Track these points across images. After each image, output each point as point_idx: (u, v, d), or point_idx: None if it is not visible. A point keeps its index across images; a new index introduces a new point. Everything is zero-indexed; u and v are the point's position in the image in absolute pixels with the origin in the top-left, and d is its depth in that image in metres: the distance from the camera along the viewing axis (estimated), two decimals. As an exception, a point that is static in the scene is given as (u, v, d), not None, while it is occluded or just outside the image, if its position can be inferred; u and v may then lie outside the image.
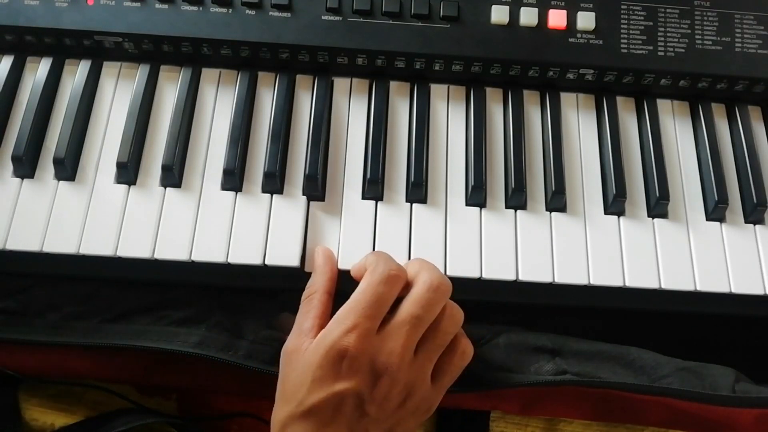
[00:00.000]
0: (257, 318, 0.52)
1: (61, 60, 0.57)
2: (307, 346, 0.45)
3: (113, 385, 0.55)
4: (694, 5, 0.57)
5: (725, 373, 0.51)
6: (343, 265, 0.51)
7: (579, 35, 0.56)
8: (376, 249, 0.52)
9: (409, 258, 0.51)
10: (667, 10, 0.56)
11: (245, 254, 0.51)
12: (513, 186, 0.54)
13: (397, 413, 0.45)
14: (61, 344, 0.49)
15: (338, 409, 0.43)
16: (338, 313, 0.45)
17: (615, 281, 0.52)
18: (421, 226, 0.53)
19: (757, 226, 0.55)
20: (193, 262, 0.51)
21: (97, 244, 0.51)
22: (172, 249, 0.51)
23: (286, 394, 0.45)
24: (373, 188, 0.53)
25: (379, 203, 0.54)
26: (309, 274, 0.51)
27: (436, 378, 0.46)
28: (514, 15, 0.56)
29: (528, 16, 0.55)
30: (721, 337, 0.57)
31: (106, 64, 0.57)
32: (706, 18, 0.57)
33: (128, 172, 0.53)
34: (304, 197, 0.53)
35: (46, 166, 0.53)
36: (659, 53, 0.56)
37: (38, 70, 0.56)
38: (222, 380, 0.52)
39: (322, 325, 0.46)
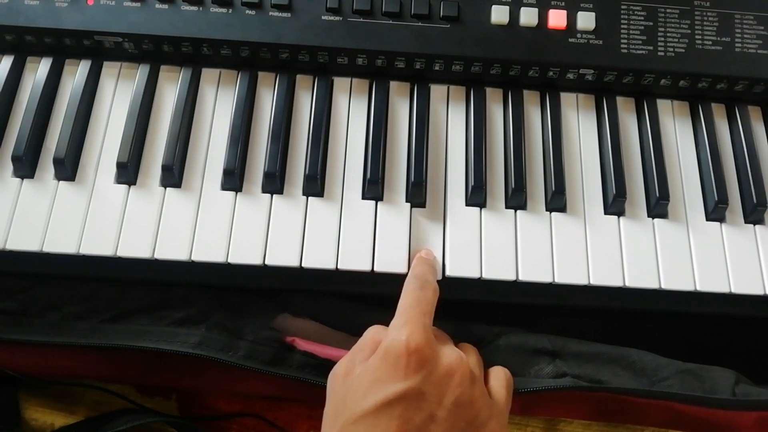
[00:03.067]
0: (257, 318, 0.52)
1: (61, 60, 0.57)
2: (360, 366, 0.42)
3: (113, 385, 0.55)
4: (694, 5, 0.57)
5: (725, 376, 0.51)
6: (342, 266, 0.51)
7: (579, 35, 0.56)
8: (376, 250, 0.52)
9: (410, 258, 0.51)
10: (667, 10, 0.56)
11: (245, 254, 0.51)
12: (513, 186, 0.54)
13: (468, 430, 0.41)
14: (61, 344, 0.49)
15: (401, 413, 0.39)
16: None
17: (615, 281, 0.52)
18: (421, 226, 0.53)
19: (757, 226, 0.55)
20: (193, 262, 0.51)
21: (97, 244, 0.51)
22: (172, 249, 0.51)
23: (337, 410, 0.41)
24: (373, 188, 0.53)
25: (379, 203, 0.54)
26: (309, 274, 0.51)
27: (495, 403, 0.44)
28: (514, 15, 0.56)
29: (528, 16, 0.55)
30: (721, 338, 0.57)
31: (106, 64, 0.57)
32: (706, 18, 0.56)
33: (128, 172, 0.53)
34: (305, 197, 0.53)
35: (46, 166, 0.53)
36: (659, 53, 0.56)
37: (38, 70, 0.56)
38: (222, 380, 0.52)
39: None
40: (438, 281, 0.51)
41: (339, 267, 0.51)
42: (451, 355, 0.42)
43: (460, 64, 0.56)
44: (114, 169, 0.53)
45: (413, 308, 0.44)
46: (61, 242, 0.51)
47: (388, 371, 0.40)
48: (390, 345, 0.41)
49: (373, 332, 0.45)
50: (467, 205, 0.54)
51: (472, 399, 0.42)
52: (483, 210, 0.54)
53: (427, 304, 0.45)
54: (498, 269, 0.51)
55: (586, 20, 0.56)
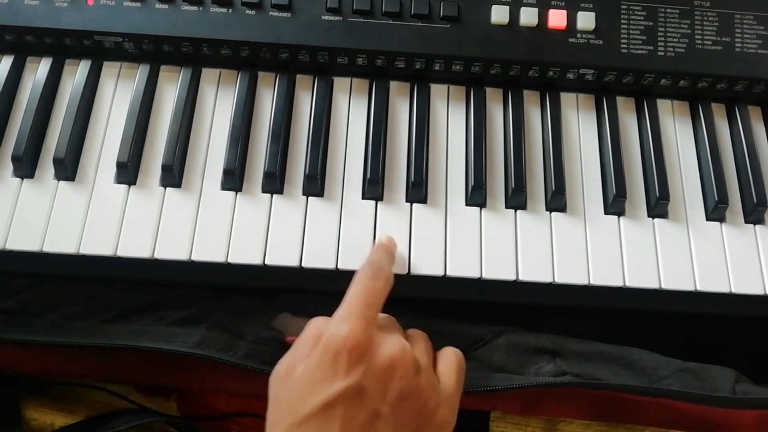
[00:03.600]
0: (257, 318, 0.52)
1: (61, 60, 0.57)
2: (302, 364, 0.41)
3: (113, 385, 0.55)
4: (694, 5, 0.57)
5: (725, 374, 0.51)
6: (342, 266, 0.51)
7: (579, 35, 0.56)
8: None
9: (410, 257, 0.51)
10: (667, 10, 0.56)
11: (245, 254, 0.51)
12: (513, 186, 0.54)
13: (415, 422, 0.40)
14: (61, 344, 0.49)
15: (342, 413, 0.38)
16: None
17: (615, 281, 0.52)
18: (421, 226, 0.53)
19: (757, 226, 0.55)
20: (193, 262, 0.51)
21: (97, 244, 0.51)
22: (172, 249, 0.51)
23: (280, 414, 0.40)
24: (373, 188, 0.53)
25: (379, 203, 0.54)
26: (309, 274, 0.51)
27: (444, 389, 0.43)
28: (514, 15, 0.56)
29: (528, 16, 0.55)
30: (721, 338, 0.57)
31: (106, 64, 0.57)
32: (706, 18, 0.56)
33: (128, 172, 0.53)
34: (304, 197, 0.53)
35: (46, 166, 0.53)
36: (659, 53, 0.56)
37: (38, 70, 0.56)
38: (222, 380, 0.52)
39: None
40: (438, 281, 0.51)
41: (339, 267, 0.51)
42: (393, 346, 0.41)
43: (460, 64, 0.56)
44: (114, 169, 0.53)
45: (358, 299, 0.42)
46: (61, 242, 0.51)
47: (327, 370, 0.39)
48: (329, 342, 0.40)
49: (314, 326, 0.43)
50: (467, 205, 0.54)
51: (417, 389, 0.41)
52: (483, 210, 0.54)
53: (374, 294, 0.43)
54: (498, 269, 0.51)
55: (586, 20, 0.56)
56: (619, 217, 0.54)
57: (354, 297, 0.43)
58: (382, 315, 0.45)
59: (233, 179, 0.53)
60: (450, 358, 0.46)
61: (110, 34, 0.54)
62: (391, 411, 0.39)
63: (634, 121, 0.58)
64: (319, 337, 0.41)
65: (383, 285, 0.44)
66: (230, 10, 0.55)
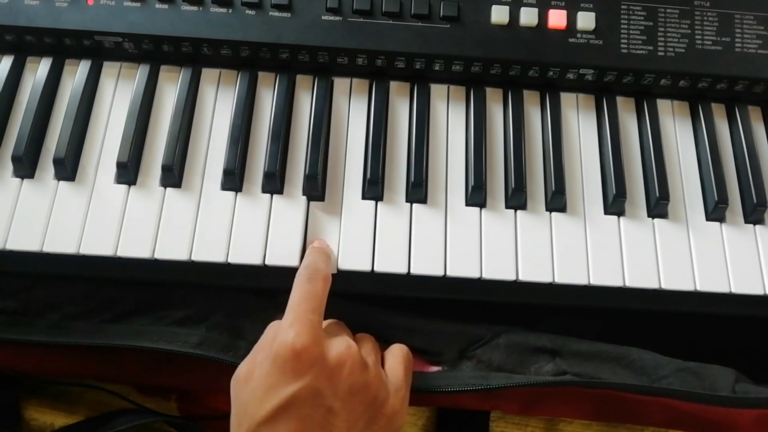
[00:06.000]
0: (257, 318, 0.52)
1: (61, 60, 0.57)
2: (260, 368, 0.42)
3: (113, 385, 0.55)
4: (694, 5, 0.57)
5: (725, 374, 0.51)
6: (342, 266, 0.51)
7: (579, 35, 0.56)
8: (376, 250, 0.52)
9: (410, 257, 0.51)
10: (667, 10, 0.56)
11: (245, 254, 0.51)
12: (513, 186, 0.54)
13: (367, 414, 0.43)
14: (61, 344, 0.49)
15: (298, 414, 0.40)
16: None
17: (615, 281, 0.52)
18: (421, 226, 0.53)
19: (757, 226, 0.55)
20: (193, 262, 0.51)
21: (97, 244, 0.51)
22: (172, 249, 0.51)
23: (241, 416, 0.41)
24: (373, 188, 0.53)
25: (379, 203, 0.54)
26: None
27: (393, 382, 0.45)
28: (514, 15, 0.56)
29: (528, 16, 0.55)
30: (721, 337, 0.57)
31: (106, 64, 0.57)
32: (706, 18, 0.56)
33: (128, 172, 0.53)
34: (304, 197, 0.53)
35: (46, 166, 0.53)
36: (659, 53, 0.56)
37: (38, 70, 0.56)
38: (222, 380, 0.52)
39: None
40: (438, 281, 0.51)
41: (340, 267, 0.51)
42: (339, 346, 0.43)
43: (460, 64, 0.56)
44: (114, 169, 0.53)
45: (300, 305, 0.44)
46: (61, 242, 0.51)
47: (279, 376, 0.41)
48: (278, 349, 0.41)
49: (272, 330, 0.45)
50: (467, 205, 0.54)
51: (366, 383, 0.43)
52: (483, 210, 0.54)
53: (314, 298, 0.45)
54: (498, 269, 0.51)
55: (586, 20, 0.56)
56: (619, 217, 0.54)
57: (296, 303, 0.44)
58: (328, 321, 0.48)
59: (233, 179, 0.53)
60: (396, 352, 0.48)
61: (110, 34, 0.54)
62: (342, 406, 0.41)
63: (634, 121, 0.58)
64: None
65: (322, 286, 0.46)
66: (230, 10, 0.55)
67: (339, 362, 0.42)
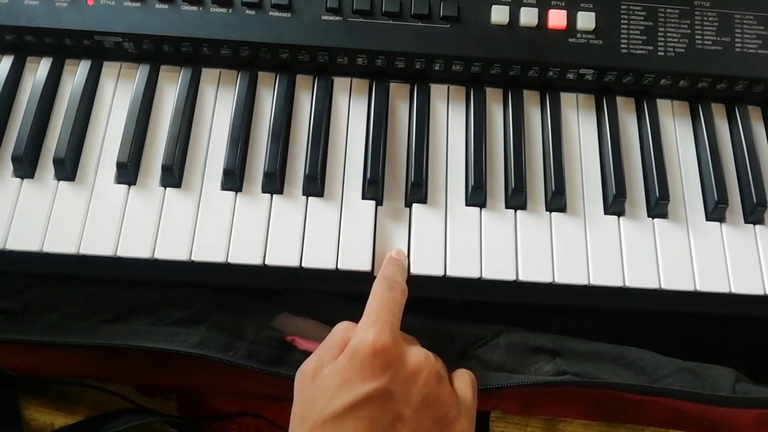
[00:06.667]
0: (257, 318, 0.52)
1: (61, 60, 0.57)
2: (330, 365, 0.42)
3: (113, 385, 0.55)
4: (694, 5, 0.57)
5: (725, 374, 0.51)
6: (342, 266, 0.51)
7: (579, 35, 0.56)
8: (376, 249, 0.52)
9: (410, 258, 0.51)
10: (667, 10, 0.56)
11: (245, 254, 0.51)
12: (513, 186, 0.54)
13: (435, 430, 0.41)
14: (61, 344, 0.49)
15: (368, 414, 0.39)
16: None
17: (615, 281, 0.52)
18: (421, 226, 0.53)
19: (757, 226, 0.55)
20: (193, 262, 0.51)
21: (97, 244, 0.51)
22: (172, 249, 0.51)
23: (306, 412, 0.41)
24: (373, 188, 0.53)
25: (378, 203, 0.53)
26: (309, 274, 0.51)
27: (463, 402, 0.45)
28: (514, 15, 0.56)
29: (528, 16, 0.55)
30: (721, 337, 0.57)
31: (106, 64, 0.57)
32: (706, 18, 0.56)
33: (128, 172, 0.53)
34: (304, 197, 0.53)
35: (46, 166, 0.53)
36: (659, 53, 0.56)
37: (38, 70, 0.56)
38: (222, 380, 0.52)
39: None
40: (438, 281, 0.51)
41: (339, 267, 0.51)
42: (418, 354, 0.42)
43: (460, 64, 0.56)
44: (114, 169, 0.53)
45: (381, 309, 0.44)
46: (61, 242, 0.51)
47: (356, 373, 0.40)
48: (357, 346, 0.41)
49: (342, 330, 0.44)
50: (467, 205, 0.54)
51: (439, 397, 0.42)
52: (483, 210, 0.54)
53: (395, 304, 0.45)
54: (498, 269, 0.51)
55: (586, 20, 0.56)
56: (619, 217, 0.54)
57: (376, 306, 0.44)
58: (403, 333, 0.46)
59: (233, 179, 0.53)
60: (465, 377, 0.47)
61: (110, 34, 0.54)
62: (413, 415, 0.41)
63: (634, 121, 0.58)
64: (346, 340, 0.43)
65: (400, 296, 0.46)
66: (230, 10, 0.55)
67: (416, 369, 0.41)
